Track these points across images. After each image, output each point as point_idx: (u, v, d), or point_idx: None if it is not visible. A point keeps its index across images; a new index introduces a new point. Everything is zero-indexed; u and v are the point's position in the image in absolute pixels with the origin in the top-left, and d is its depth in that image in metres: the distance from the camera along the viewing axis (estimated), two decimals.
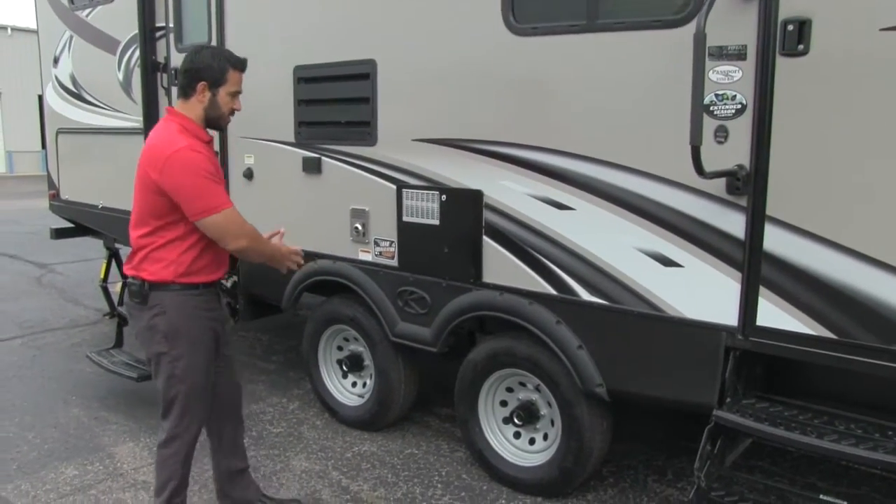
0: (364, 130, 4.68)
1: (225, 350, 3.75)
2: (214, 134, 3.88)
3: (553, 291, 3.93)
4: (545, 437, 4.30)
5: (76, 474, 4.56)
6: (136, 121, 6.22)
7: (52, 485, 4.43)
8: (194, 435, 3.60)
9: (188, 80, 3.45)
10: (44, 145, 7.86)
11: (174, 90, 5.90)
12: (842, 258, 3.07)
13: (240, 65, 3.52)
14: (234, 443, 3.91)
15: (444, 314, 4.41)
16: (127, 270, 3.54)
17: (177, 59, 5.89)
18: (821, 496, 3.56)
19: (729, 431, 3.48)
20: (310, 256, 5.08)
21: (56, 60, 7.42)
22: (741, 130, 3.24)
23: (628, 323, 3.70)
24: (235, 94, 3.51)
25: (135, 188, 3.42)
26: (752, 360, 3.50)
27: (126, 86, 6.42)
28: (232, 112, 3.56)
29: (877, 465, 3.05)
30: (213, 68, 3.43)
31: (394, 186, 4.54)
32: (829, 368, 3.27)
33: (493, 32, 3.97)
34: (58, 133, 7.49)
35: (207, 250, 3.47)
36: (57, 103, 7.48)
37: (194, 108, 3.46)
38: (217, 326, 3.61)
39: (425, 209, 4.38)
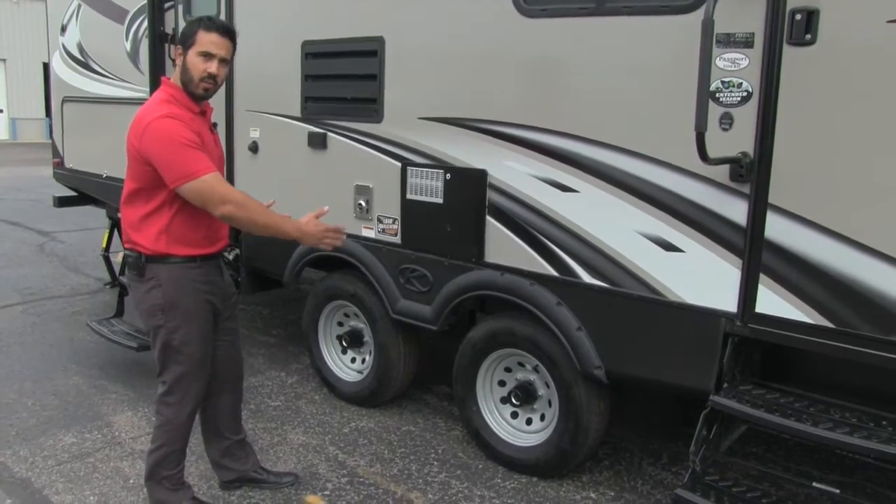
0: (370, 107, 4.68)
1: (228, 323, 3.77)
2: (221, 106, 3.88)
3: (554, 273, 3.95)
4: (542, 417, 4.33)
5: (74, 442, 4.60)
6: (142, 91, 6.20)
7: (49, 451, 4.46)
8: (190, 408, 3.61)
9: (174, 50, 3.47)
10: (48, 113, 7.87)
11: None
12: (843, 248, 3.08)
13: (211, 25, 3.40)
14: (232, 415, 3.94)
15: (446, 293, 4.43)
16: (124, 243, 3.55)
17: None
18: (814, 483, 3.59)
19: (725, 417, 3.51)
20: None
21: (64, 29, 7.41)
22: (746, 118, 3.24)
23: (628, 306, 3.72)
24: (208, 56, 3.37)
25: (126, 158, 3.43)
26: (751, 346, 3.53)
27: (133, 56, 6.41)
28: (206, 77, 3.40)
29: (870, 453, 3.07)
30: (186, 31, 3.42)
31: (398, 164, 4.55)
32: (826, 357, 3.29)
33: (502, 12, 3.96)
34: (64, 101, 7.49)
35: (201, 221, 3.45)
36: (64, 72, 7.47)
37: (177, 75, 3.46)
38: (215, 299, 3.61)
39: (429, 187, 4.39)
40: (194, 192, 3.26)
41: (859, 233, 3.05)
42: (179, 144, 3.23)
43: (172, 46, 5.90)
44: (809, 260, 3.17)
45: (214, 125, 3.62)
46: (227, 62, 3.49)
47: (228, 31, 3.47)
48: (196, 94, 3.45)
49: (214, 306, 3.61)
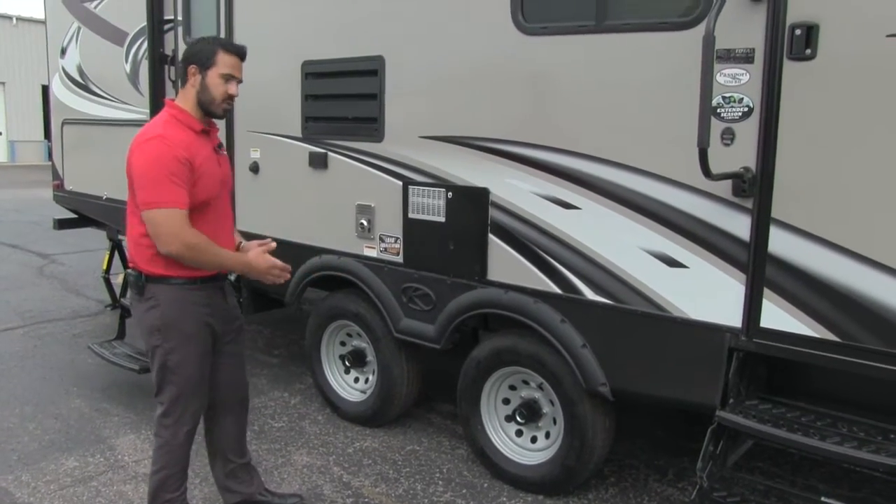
0: (371, 126, 4.68)
1: (230, 347, 3.73)
2: (221, 126, 3.88)
3: (558, 290, 3.94)
4: (547, 435, 4.31)
5: (77, 465, 4.57)
6: (142, 113, 6.22)
7: (52, 476, 4.44)
8: (188, 429, 3.58)
9: (182, 68, 3.46)
10: (47, 135, 7.90)
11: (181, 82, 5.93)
12: (846, 261, 3.08)
13: (232, 48, 3.46)
14: (236, 438, 3.91)
15: (449, 311, 4.42)
16: (128, 262, 3.55)
17: None
18: (822, 498, 3.57)
19: (731, 432, 3.49)
20: (314, 251, 5.10)
21: (63, 51, 7.43)
22: (748, 133, 3.25)
23: (633, 323, 3.71)
24: (229, 78, 3.43)
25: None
26: (756, 361, 3.52)
27: (133, 78, 6.42)
28: (227, 98, 3.45)
29: (878, 468, 3.05)
30: (203, 51, 3.41)
31: (400, 183, 4.55)
32: (832, 371, 3.28)
33: (502, 31, 3.98)
34: (63, 123, 7.50)
35: None
36: (63, 94, 7.49)
37: (188, 94, 3.45)
38: (214, 322, 3.57)
39: (431, 206, 4.39)
40: (150, 221, 3.24)
41: (863, 246, 3.04)
42: (158, 171, 3.22)
43: (173, 67, 5.94)
44: (813, 274, 3.17)
45: (220, 145, 3.60)
46: (240, 83, 3.53)
47: (244, 55, 3.52)
48: (216, 115, 3.49)
49: (213, 329, 3.57)
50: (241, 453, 3.95)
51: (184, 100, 3.47)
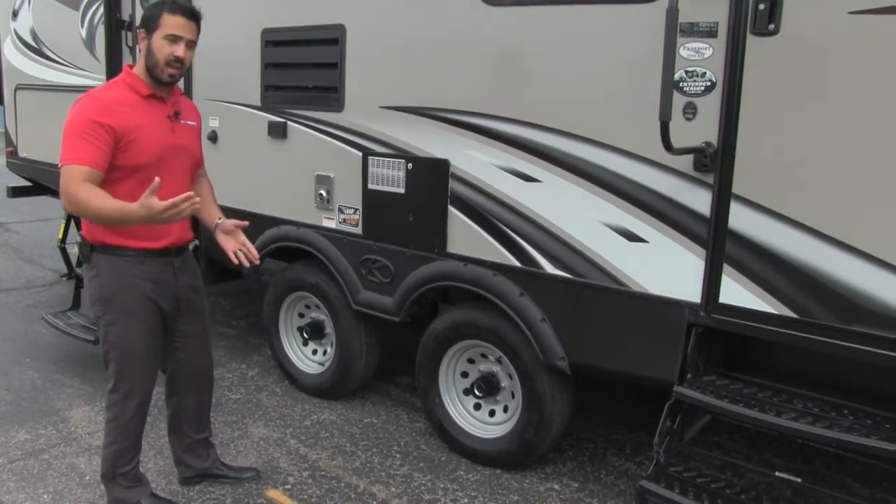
0: (331, 96, 4.61)
1: (185, 326, 3.66)
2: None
3: (517, 263, 3.92)
4: (505, 409, 4.31)
5: (28, 438, 4.49)
6: (99, 79, 6.07)
7: (2, 449, 4.35)
8: (135, 403, 3.52)
9: (136, 35, 3.37)
10: (0, 101, 7.67)
11: (137, 49, 5.80)
12: (805, 238, 3.09)
13: (176, 8, 3.32)
14: (195, 414, 3.85)
15: (408, 283, 4.38)
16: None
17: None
18: (776, 473, 3.61)
19: (689, 408, 3.51)
20: (273, 222, 5.03)
21: (15, 14, 7.22)
22: (710, 108, 3.23)
23: (592, 297, 3.70)
24: (175, 39, 3.30)
25: None
26: (714, 337, 3.52)
27: (89, 43, 6.27)
28: (172, 61, 3.31)
29: (831, 442, 3.11)
30: (150, 15, 3.33)
31: (360, 153, 4.49)
32: (789, 347, 3.30)
33: (465, 1, 3.92)
34: (17, 89, 7.31)
35: None
36: (16, 58, 7.29)
37: (140, 60, 3.39)
38: (160, 300, 3.46)
39: (391, 177, 4.34)
40: (60, 177, 3.13)
41: (822, 223, 3.05)
42: (73, 128, 3.14)
43: (130, 33, 5.81)
44: (773, 250, 3.17)
45: (177, 113, 3.48)
46: (193, 45, 3.41)
47: (194, 14, 3.39)
48: (162, 79, 3.36)
49: (159, 305, 3.47)
50: (200, 429, 3.90)
51: (138, 67, 3.40)
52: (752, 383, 3.53)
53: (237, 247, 3.54)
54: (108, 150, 3.17)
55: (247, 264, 3.55)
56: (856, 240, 2.99)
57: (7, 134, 7.65)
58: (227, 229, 3.56)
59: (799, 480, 3.58)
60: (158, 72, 3.33)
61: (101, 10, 5.97)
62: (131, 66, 3.44)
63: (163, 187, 2.96)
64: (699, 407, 3.44)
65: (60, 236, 6.72)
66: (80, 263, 6.15)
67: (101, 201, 3.04)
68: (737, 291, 3.29)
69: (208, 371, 3.91)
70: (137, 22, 5.75)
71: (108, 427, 3.54)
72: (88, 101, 3.22)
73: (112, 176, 3.21)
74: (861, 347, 3.04)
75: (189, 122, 3.58)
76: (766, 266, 3.20)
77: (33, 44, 7.01)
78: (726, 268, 3.30)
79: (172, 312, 3.56)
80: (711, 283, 3.34)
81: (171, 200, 2.88)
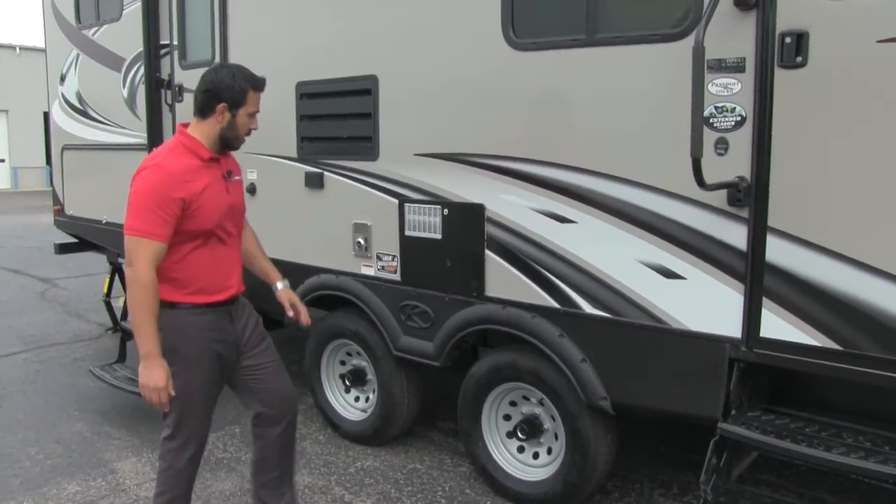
0: (366, 145, 4.68)
1: (256, 360, 3.67)
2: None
3: (556, 304, 3.92)
4: (549, 451, 4.28)
5: (78, 490, 4.55)
6: (139, 137, 6.24)
7: (54, 500, 4.42)
8: (191, 453, 3.54)
9: (207, 101, 3.36)
10: (49, 161, 7.91)
11: (177, 106, 5.94)
12: (844, 268, 3.06)
13: (259, 85, 3.42)
14: (282, 448, 3.81)
15: (447, 328, 4.40)
16: None
17: (180, 76, 5.92)
18: None
19: (734, 444, 3.46)
20: (312, 271, 5.09)
21: (63, 78, 7.48)
22: (741, 142, 3.24)
23: (632, 335, 3.69)
24: (254, 115, 3.43)
25: None
26: (757, 371, 3.49)
27: (131, 102, 6.45)
28: (249, 132, 3.48)
29: (888, 478, 3.01)
30: (234, 89, 3.34)
31: (396, 201, 4.54)
32: (835, 380, 3.25)
33: (493, 47, 3.98)
34: (63, 149, 7.54)
35: (205, 269, 3.40)
36: (63, 120, 7.53)
37: (210, 127, 3.38)
38: (221, 347, 3.50)
39: (427, 223, 4.38)
40: (126, 244, 3.21)
41: (860, 252, 3.03)
42: (148, 201, 3.19)
43: (169, 91, 5.97)
44: (812, 281, 3.15)
45: (229, 172, 3.54)
46: None
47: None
48: (236, 148, 3.50)
49: (220, 354, 3.50)
50: (276, 468, 3.81)
51: (200, 130, 3.40)
52: (799, 417, 3.47)
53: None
54: (176, 222, 3.25)
55: (303, 322, 3.79)
56: None
57: (54, 192, 7.85)
58: (283, 301, 3.80)
59: None
60: (237, 144, 3.47)
61: (142, 70, 6.16)
62: (185, 126, 3.46)
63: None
64: (745, 443, 3.39)
65: (105, 291, 6.87)
66: (124, 317, 6.30)
67: (143, 307, 3.21)
68: (777, 325, 3.26)
69: (293, 401, 3.88)
70: (176, 80, 5.92)
71: (161, 476, 3.56)
72: (157, 171, 3.24)
73: (172, 240, 3.29)
74: None
75: (237, 178, 3.65)
76: (805, 298, 3.17)
77: (79, 105, 7.23)
78: (766, 301, 3.27)
79: (234, 361, 3.58)
80: (751, 318, 3.32)
81: (166, 392, 3.25)
